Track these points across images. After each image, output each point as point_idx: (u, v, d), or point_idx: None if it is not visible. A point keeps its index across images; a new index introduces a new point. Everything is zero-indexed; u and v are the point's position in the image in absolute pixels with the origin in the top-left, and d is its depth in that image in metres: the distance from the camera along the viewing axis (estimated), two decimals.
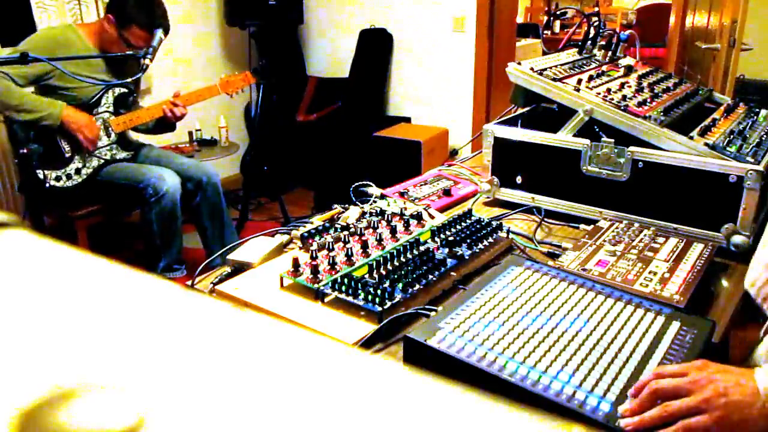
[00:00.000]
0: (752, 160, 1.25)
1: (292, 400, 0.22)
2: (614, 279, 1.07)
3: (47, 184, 2.57)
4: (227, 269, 1.17)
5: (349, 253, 1.12)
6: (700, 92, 1.75)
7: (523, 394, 0.76)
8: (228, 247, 1.25)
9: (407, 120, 4.23)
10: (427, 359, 0.84)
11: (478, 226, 1.26)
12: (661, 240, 1.22)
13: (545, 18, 7.77)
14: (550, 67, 1.60)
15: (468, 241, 1.20)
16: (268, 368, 0.24)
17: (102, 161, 2.70)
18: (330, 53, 4.56)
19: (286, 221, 3.58)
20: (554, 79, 1.52)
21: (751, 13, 3.75)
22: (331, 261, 1.09)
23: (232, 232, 3.01)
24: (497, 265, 1.07)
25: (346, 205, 1.43)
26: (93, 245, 2.93)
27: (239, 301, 1.06)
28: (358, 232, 1.21)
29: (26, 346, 0.24)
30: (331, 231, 1.25)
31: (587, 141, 1.38)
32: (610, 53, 1.85)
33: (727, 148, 1.30)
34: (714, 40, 3.88)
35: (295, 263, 1.08)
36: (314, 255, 1.12)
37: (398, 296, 1.00)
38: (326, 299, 1.03)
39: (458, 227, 1.26)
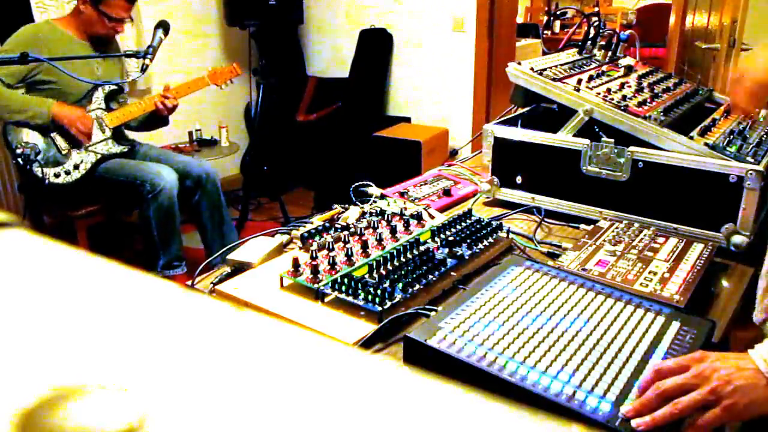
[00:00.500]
0: (752, 160, 1.25)
1: (292, 400, 0.22)
2: (614, 279, 1.07)
3: (46, 182, 2.57)
4: (227, 269, 1.17)
5: (349, 253, 1.12)
6: (700, 92, 1.75)
7: (523, 394, 0.76)
8: (228, 246, 1.25)
9: (407, 120, 4.23)
10: (427, 359, 0.84)
11: (478, 226, 1.26)
12: (661, 240, 1.22)
13: (545, 18, 7.77)
14: (550, 67, 1.60)
15: (468, 241, 1.20)
16: (268, 368, 0.24)
17: (99, 156, 2.70)
18: (330, 53, 4.56)
19: (286, 221, 3.58)
20: (554, 79, 1.52)
21: (751, 13, 3.75)
22: (331, 261, 1.09)
23: (231, 230, 3.01)
24: (497, 265, 1.07)
25: (346, 205, 1.43)
26: (93, 245, 2.93)
27: (239, 301, 1.06)
28: (358, 232, 1.21)
29: (26, 346, 0.24)
30: (331, 231, 1.25)
31: (587, 141, 1.38)
32: (610, 53, 1.85)
33: (727, 148, 1.30)
34: (714, 40, 3.88)
35: (295, 263, 1.08)
36: (314, 255, 1.12)
37: (398, 296, 1.00)
38: (326, 299, 1.03)
39: (458, 227, 1.26)
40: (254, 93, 3.60)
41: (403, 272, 1.06)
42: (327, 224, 1.29)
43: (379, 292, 0.98)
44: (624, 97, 1.49)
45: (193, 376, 0.23)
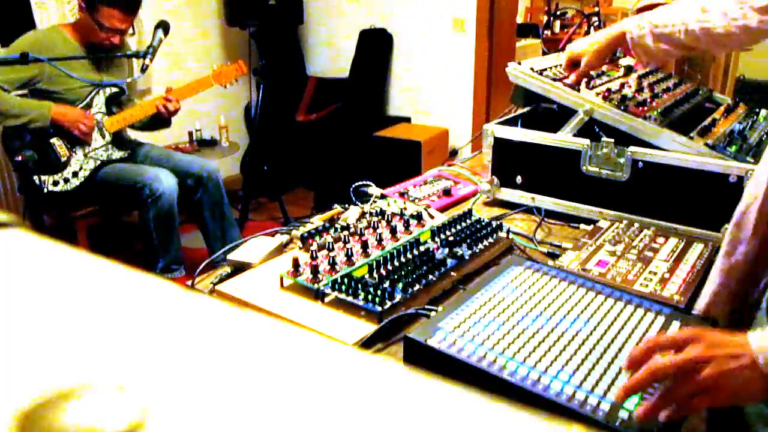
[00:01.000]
0: (752, 160, 1.25)
1: (292, 400, 0.22)
2: (614, 279, 1.07)
3: (45, 190, 2.55)
4: (227, 269, 1.17)
5: (349, 253, 1.12)
6: (700, 92, 1.75)
7: (523, 394, 0.76)
8: (229, 246, 1.25)
9: (407, 120, 4.23)
10: (427, 359, 0.84)
11: (478, 226, 1.26)
12: (661, 240, 1.22)
13: (545, 18, 7.77)
14: (550, 67, 1.60)
15: (468, 241, 1.20)
16: (268, 368, 0.24)
17: (99, 162, 2.68)
18: (330, 53, 4.56)
19: (286, 221, 3.58)
20: (554, 79, 1.52)
21: None
22: (331, 261, 1.09)
23: (233, 228, 3.00)
24: (497, 265, 1.07)
25: (346, 205, 1.43)
26: (93, 245, 2.93)
27: (239, 301, 1.06)
28: (358, 232, 1.21)
29: (26, 346, 0.24)
30: (331, 231, 1.25)
31: (587, 141, 1.38)
32: None
33: (727, 148, 1.30)
34: None
35: (295, 263, 1.08)
36: (314, 255, 1.12)
37: (398, 296, 1.00)
38: (326, 299, 1.03)
39: (458, 227, 1.26)
40: (254, 93, 3.60)
41: (403, 272, 1.06)
42: (327, 224, 1.29)
43: (379, 292, 0.98)
44: (624, 97, 1.49)
45: (193, 376, 0.23)
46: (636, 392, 0.72)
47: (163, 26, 2.44)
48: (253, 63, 4.22)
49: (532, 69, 1.56)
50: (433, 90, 4.15)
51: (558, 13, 6.75)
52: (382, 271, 1.08)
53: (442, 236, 1.22)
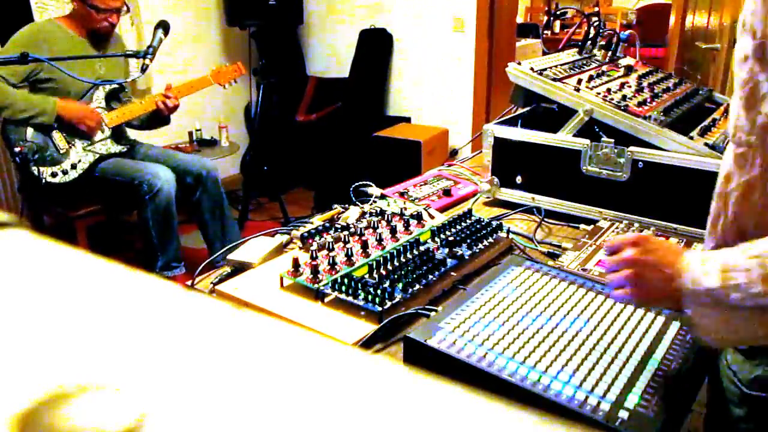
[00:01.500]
0: None
1: (292, 400, 0.22)
2: None
3: (43, 181, 2.56)
4: (227, 269, 1.17)
5: (349, 253, 1.12)
6: (700, 92, 1.75)
7: (523, 394, 0.76)
8: (229, 246, 1.25)
9: (407, 120, 4.23)
10: (427, 359, 0.84)
11: (478, 226, 1.26)
12: None
13: (545, 18, 7.77)
14: (550, 67, 1.60)
15: (468, 241, 1.20)
16: (268, 368, 0.24)
17: (98, 156, 2.69)
18: (330, 53, 4.56)
19: (286, 221, 3.58)
20: (554, 79, 1.52)
21: None
22: (331, 261, 1.09)
23: (233, 227, 3.00)
24: (497, 265, 1.07)
25: (346, 205, 1.43)
26: (92, 245, 2.93)
27: (239, 301, 1.06)
28: (358, 232, 1.21)
29: (26, 346, 0.24)
30: (331, 231, 1.25)
31: (587, 141, 1.38)
32: (610, 53, 1.85)
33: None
34: (714, 40, 3.88)
35: (295, 263, 1.08)
36: (314, 255, 1.12)
37: (398, 296, 1.00)
38: (326, 299, 1.03)
39: (458, 227, 1.26)
40: (254, 93, 3.60)
41: (403, 272, 1.06)
42: (327, 224, 1.29)
43: (379, 292, 0.98)
44: (624, 97, 1.49)
45: (192, 376, 0.23)
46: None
47: (163, 26, 2.44)
48: (253, 63, 4.23)
49: (532, 69, 1.56)
50: (433, 90, 4.15)
51: (558, 13, 6.75)
52: (382, 271, 1.08)
53: (442, 236, 1.22)
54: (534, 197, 1.47)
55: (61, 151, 2.61)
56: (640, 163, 1.32)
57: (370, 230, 1.23)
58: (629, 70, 1.74)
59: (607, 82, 1.61)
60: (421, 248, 1.16)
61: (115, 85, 2.76)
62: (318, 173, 4.25)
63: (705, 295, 0.73)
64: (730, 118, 0.81)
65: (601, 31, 1.89)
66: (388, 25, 4.20)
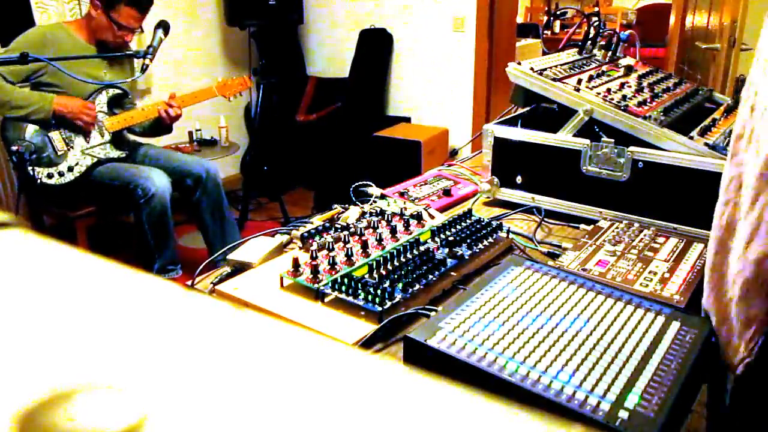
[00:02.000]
0: None
1: (292, 400, 0.22)
2: (614, 279, 1.07)
3: (39, 182, 2.56)
4: (227, 269, 1.17)
5: (349, 253, 1.12)
6: (700, 92, 1.75)
7: (523, 394, 0.76)
8: (229, 246, 1.25)
9: (407, 120, 4.23)
10: (427, 359, 0.84)
11: (478, 226, 1.26)
12: (661, 240, 1.22)
13: (545, 18, 7.77)
14: (550, 67, 1.60)
15: (468, 241, 1.20)
16: (268, 368, 0.24)
17: (95, 160, 2.69)
18: (330, 53, 4.56)
19: (286, 221, 3.58)
20: (554, 79, 1.52)
21: (751, 13, 3.76)
22: (331, 261, 1.09)
23: (233, 228, 3.00)
24: (497, 265, 1.07)
25: (346, 205, 1.43)
26: (92, 245, 2.93)
27: (239, 301, 1.06)
28: (358, 232, 1.21)
29: (26, 346, 0.24)
30: (331, 231, 1.25)
31: (587, 141, 1.38)
32: (610, 53, 1.85)
33: (727, 148, 1.30)
34: (714, 40, 3.88)
35: (295, 263, 1.08)
36: (314, 255, 1.12)
37: (398, 296, 1.00)
38: (326, 299, 1.03)
39: (458, 227, 1.26)
40: (254, 93, 3.61)
41: (403, 272, 1.06)
42: (327, 224, 1.29)
43: (379, 292, 0.98)
44: (624, 97, 1.49)
45: (193, 376, 0.23)
46: None
47: (163, 26, 2.44)
48: (253, 63, 4.23)
49: (532, 69, 1.56)
50: (433, 90, 4.15)
51: (558, 13, 6.75)
52: (382, 271, 1.08)
53: (442, 236, 1.22)
54: (534, 197, 1.47)
55: (59, 153, 2.60)
56: (640, 163, 1.32)
57: (370, 230, 1.23)
58: (629, 70, 1.74)
59: (607, 82, 1.61)
60: (421, 248, 1.16)
61: (119, 91, 2.76)
62: (318, 173, 4.25)
63: None
64: None
65: (601, 31, 1.89)
66: (388, 25, 4.20)
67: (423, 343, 0.84)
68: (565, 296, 0.97)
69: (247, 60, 4.32)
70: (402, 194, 1.55)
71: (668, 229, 1.29)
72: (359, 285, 1.01)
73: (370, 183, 1.54)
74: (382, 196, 1.51)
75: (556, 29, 6.93)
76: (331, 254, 1.11)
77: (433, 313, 0.93)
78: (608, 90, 1.51)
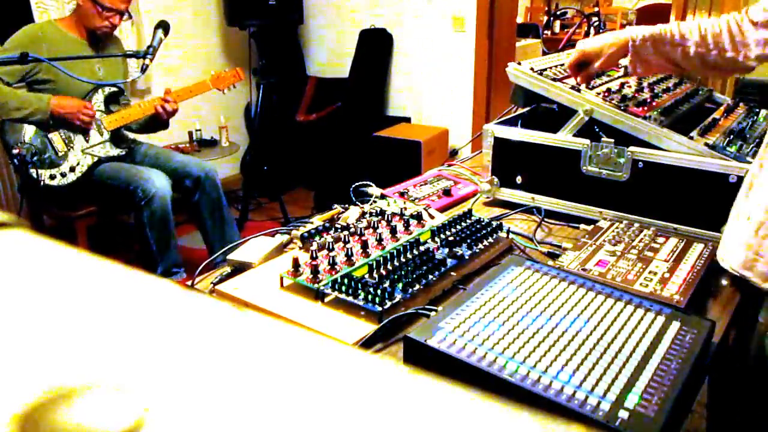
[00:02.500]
0: (752, 161, 1.25)
1: (292, 400, 0.22)
2: (614, 279, 1.07)
3: (42, 183, 2.56)
4: (227, 269, 1.18)
5: (349, 253, 1.12)
6: (700, 92, 1.75)
7: (523, 394, 0.76)
8: (228, 246, 1.25)
9: (407, 120, 4.23)
10: (427, 359, 0.84)
11: (478, 226, 1.26)
12: (661, 240, 1.22)
13: (545, 18, 7.77)
14: (550, 67, 1.61)
15: (468, 241, 1.20)
16: (268, 368, 0.24)
17: (96, 159, 2.69)
18: (330, 53, 4.56)
19: (286, 221, 3.58)
20: (554, 79, 1.52)
21: None
22: (331, 261, 1.09)
23: (232, 228, 3.00)
24: (497, 265, 1.07)
25: (346, 205, 1.43)
26: (92, 245, 2.93)
27: (239, 301, 1.06)
28: (358, 232, 1.21)
29: (26, 346, 0.24)
30: (331, 231, 1.25)
31: (587, 141, 1.38)
32: None
33: (727, 148, 1.30)
34: None
35: (295, 263, 1.08)
36: (314, 255, 1.12)
37: (398, 296, 1.00)
38: (326, 299, 1.03)
39: (458, 227, 1.26)
40: (254, 93, 3.61)
41: (403, 272, 1.06)
42: (327, 224, 1.29)
43: (379, 292, 0.98)
44: (624, 97, 1.49)
45: (192, 376, 0.23)
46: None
47: (163, 26, 2.44)
48: (253, 63, 4.23)
49: (532, 69, 1.56)
50: (433, 90, 4.15)
51: (558, 13, 6.75)
52: (382, 271, 1.08)
53: (442, 236, 1.22)
54: (534, 197, 1.47)
55: (60, 154, 2.60)
56: (640, 163, 1.32)
57: (370, 230, 1.23)
58: None
59: (607, 82, 1.61)
60: (421, 248, 1.16)
61: (115, 89, 2.76)
62: (318, 173, 4.25)
63: None
64: None
65: (601, 31, 1.89)
66: (388, 25, 4.20)
67: (423, 343, 0.84)
68: (565, 296, 0.97)
69: (247, 60, 4.32)
70: (402, 194, 1.55)
71: (668, 229, 1.29)
72: (359, 285, 1.01)
73: (370, 183, 1.54)
74: (382, 196, 1.51)
75: (556, 29, 6.93)
76: (331, 254, 1.11)
77: (433, 313, 0.93)
78: (608, 90, 1.51)
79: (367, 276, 1.06)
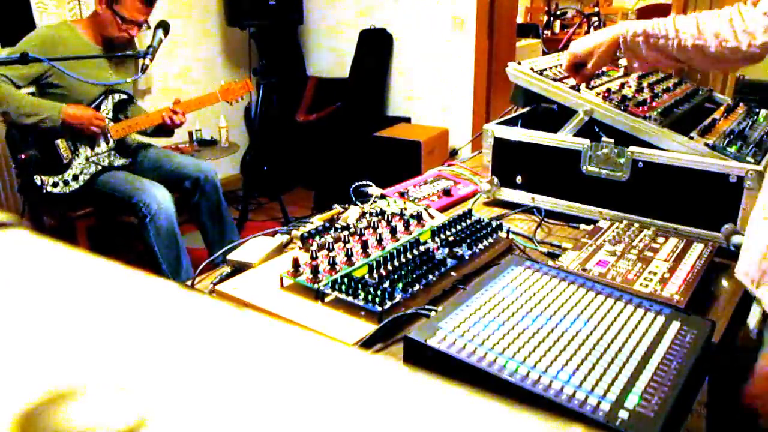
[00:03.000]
0: (752, 160, 1.25)
1: (292, 400, 0.22)
2: (614, 279, 1.07)
3: (44, 190, 2.55)
4: (227, 269, 1.18)
5: (349, 253, 1.12)
6: (700, 92, 1.75)
7: (523, 394, 0.76)
8: (229, 246, 1.25)
9: (407, 120, 4.23)
10: (427, 359, 0.84)
11: (478, 226, 1.26)
12: (661, 240, 1.22)
13: (545, 18, 7.77)
14: (550, 67, 1.60)
15: (468, 241, 1.20)
16: (268, 368, 0.24)
17: (100, 167, 2.68)
18: (330, 53, 4.56)
19: (286, 221, 3.58)
20: (554, 79, 1.52)
21: None
22: (331, 261, 1.09)
23: (232, 229, 3.00)
24: (497, 265, 1.07)
25: (346, 205, 1.43)
26: (93, 245, 2.93)
27: (239, 301, 1.06)
28: (358, 232, 1.21)
29: (26, 346, 0.24)
30: (331, 231, 1.25)
31: (587, 141, 1.38)
32: None
33: (727, 148, 1.30)
34: None
35: (295, 263, 1.08)
36: (314, 255, 1.12)
37: (398, 296, 1.00)
38: (326, 299, 1.03)
39: (458, 227, 1.26)
40: (254, 93, 3.61)
41: (403, 272, 1.06)
42: (327, 224, 1.29)
43: (379, 292, 0.98)
44: (624, 97, 1.49)
45: (193, 376, 0.23)
46: None
47: (163, 26, 2.44)
48: (253, 63, 4.23)
49: (532, 69, 1.56)
50: (433, 90, 4.15)
51: (558, 13, 6.76)
52: (382, 271, 1.08)
53: (442, 236, 1.22)
54: (534, 197, 1.47)
55: (64, 161, 2.59)
56: (640, 163, 1.32)
57: (370, 230, 1.23)
58: None
59: (607, 82, 1.61)
60: (421, 248, 1.16)
61: (124, 96, 2.75)
62: (318, 173, 4.25)
63: None
64: None
65: None
66: (388, 25, 4.20)
67: (423, 343, 0.84)
68: (565, 296, 0.97)
69: (247, 60, 4.32)
70: (402, 194, 1.55)
71: (668, 229, 1.29)
72: (359, 285, 1.01)
73: (370, 183, 1.54)
74: (382, 196, 1.51)
75: (556, 29, 6.92)
76: (331, 254, 1.11)
77: (433, 313, 0.93)
78: (608, 90, 1.51)
79: (367, 276, 1.06)
